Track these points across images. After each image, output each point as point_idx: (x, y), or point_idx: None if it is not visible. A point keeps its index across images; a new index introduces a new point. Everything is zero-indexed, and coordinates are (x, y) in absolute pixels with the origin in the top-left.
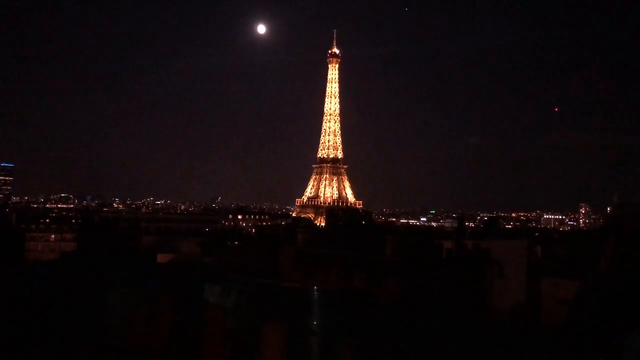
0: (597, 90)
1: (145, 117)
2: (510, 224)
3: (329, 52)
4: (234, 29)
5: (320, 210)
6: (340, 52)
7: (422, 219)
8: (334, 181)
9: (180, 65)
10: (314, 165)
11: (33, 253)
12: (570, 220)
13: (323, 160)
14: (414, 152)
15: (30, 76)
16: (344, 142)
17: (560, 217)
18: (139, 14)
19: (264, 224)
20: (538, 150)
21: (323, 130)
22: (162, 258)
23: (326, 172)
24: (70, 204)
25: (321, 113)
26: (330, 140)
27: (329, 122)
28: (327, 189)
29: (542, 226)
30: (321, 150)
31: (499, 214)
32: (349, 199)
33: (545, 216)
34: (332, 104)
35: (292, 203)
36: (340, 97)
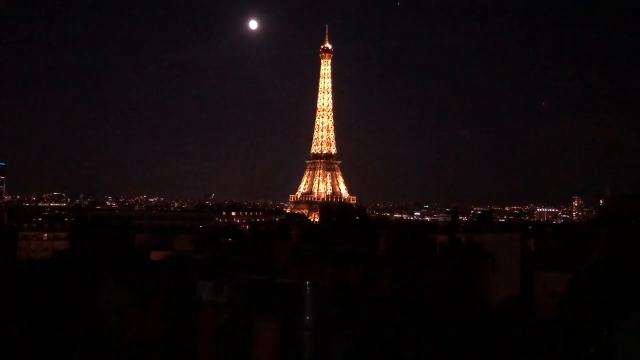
0: (589, 83)
1: (137, 114)
2: (503, 218)
3: (322, 47)
4: (225, 25)
5: (314, 206)
6: (332, 48)
7: (415, 213)
8: (328, 177)
9: (172, 62)
10: (307, 161)
11: (26, 252)
12: (563, 213)
13: (316, 156)
14: (407, 147)
15: (21, 74)
16: (337, 138)
17: (553, 210)
18: (130, 12)
19: (258, 220)
20: (531, 143)
21: (316, 126)
22: (155, 255)
23: (320, 167)
24: (63, 203)
25: (314, 109)
26: (324, 135)
27: (322, 117)
28: (321, 184)
29: (536, 219)
30: (314, 146)
31: (493, 207)
32: (343, 195)
33: (538, 209)
34: (325, 100)
35: (286, 199)
36: (333, 92)
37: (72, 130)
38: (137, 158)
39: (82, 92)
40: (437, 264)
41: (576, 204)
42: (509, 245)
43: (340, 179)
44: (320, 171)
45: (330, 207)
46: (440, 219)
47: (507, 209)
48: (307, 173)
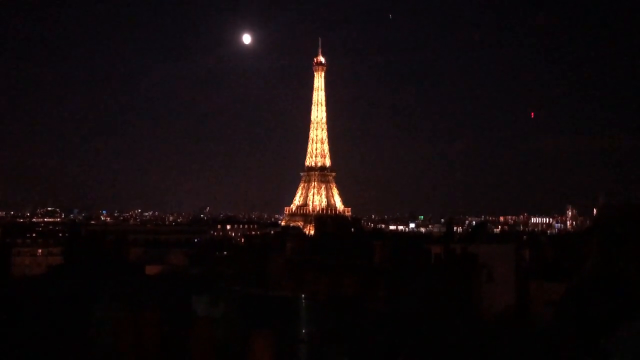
0: (582, 93)
1: (131, 128)
2: (498, 228)
3: (315, 60)
4: (219, 38)
5: (309, 218)
6: (326, 60)
7: (411, 224)
8: (322, 189)
9: (166, 75)
10: (302, 174)
11: (20, 268)
12: (557, 223)
13: (311, 169)
14: (402, 159)
15: (13, 87)
16: (331, 150)
17: (547, 220)
18: (122, 26)
19: (253, 233)
20: (524, 154)
21: (310, 139)
22: (150, 270)
23: (314, 180)
24: (57, 218)
25: (308, 121)
26: (318, 148)
27: (316, 130)
28: (316, 197)
29: (530, 229)
30: (309, 158)
31: (487, 218)
32: (338, 207)
33: (532, 219)
34: (319, 112)
35: (281, 212)
36: (327, 104)
37: (65, 144)
38: (132, 172)
39: (76, 105)
40: (432, 275)
41: (570, 214)
42: (504, 256)
43: (335, 191)
44: (315, 183)
45: (325, 219)
46: (435, 229)
47: (501, 219)
48: (302, 185)
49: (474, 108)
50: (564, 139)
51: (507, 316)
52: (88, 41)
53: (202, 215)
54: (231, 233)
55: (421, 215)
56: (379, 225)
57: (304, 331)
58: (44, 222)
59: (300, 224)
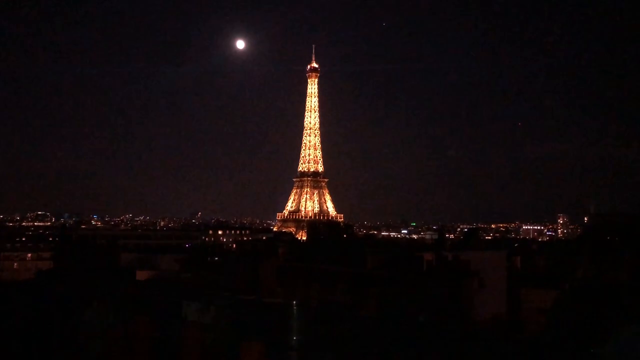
0: (574, 102)
1: (122, 133)
2: (490, 235)
3: (308, 66)
4: (212, 44)
5: (302, 224)
6: (319, 67)
7: (403, 231)
8: (315, 195)
9: (158, 81)
10: (294, 179)
11: (8, 272)
12: (548, 231)
13: (304, 174)
14: (394, 165)
15: (3, 92)
16: (324, 156)
17: (538, 227)
18: (115, 30)
19: (245, 239)
20: (516, 162)
21: (303, 144)
22: (141, 275)
23: (307, 185)
24: (48, 222)
25: (301, 127)
26: (311, 154)
27: (309, 136)
28: (308, 202)
29: (521, 237)
30: (302, 164)
31: (479, 225)
32: (330, 213)
33: (524, 227)
34: (312, 118)
35: (273, 217)
36: (319, 111)
37: (56, 149)
38: (123, 177)
39: (66, 110)
40: (424, 282)
41: (561, 221)
42: (496, 263)
43: (328, 197)
44: (308, 189)
45: (318, 225)
46: (427, 236)
47: (493, 226)
48: (295, 191)
49: (467, 115)
50: (556, 147)
51: (499, 323)
52: (81, 45)
53: (193, 221)
54: (223, 239)
55: (413, 222)
56: (371, 232)
57: (295, 338)
58: (34, 226)
59: (292, 229)
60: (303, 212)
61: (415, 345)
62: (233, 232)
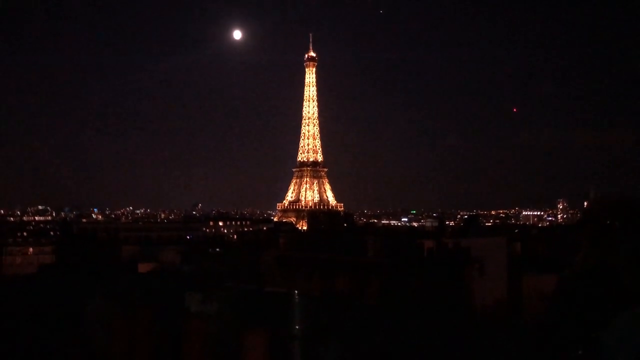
0: (571, 86)
1: (121, 125)
2: (490, 222)
3: (306, 55)
4: (209, 34)
5: (302, 214)
6: (317, 56)
7: (403, 219)
8: (315, 184)
9: (155, 72)
10: (294, 169)
11: (11, 267)
12: (548, 216)
13: (303, 164)
14: (394, 153)
15: (0, 86)
16: (323, 145)
17: (538, 213)
18: (111, 22)
19: (246, 229)
20: (515, 148)
21: (302, 134)
22: (143, 268)
23: (306, 175)
24: (48, 216)
25: (300, 117)
26: (310, 143)
27: (308, 125)
28: (308, 192)
29: (521, 222)
30: (301, 153)
31: (479, 212)
32: (330, 202)
33: (523, 213)
34: (310, 108)
35: (274, 207)
36: (318, 100)
37: (56, 142)
38: (122, 170)
39: (65, 103)
40: (424, 270)
41: (561, 207)
42: (496, 249)
43: (328, 187)
44: (307, 179)
45: (318, 214)
46: (428, 224)
47: (493, 213)
48: (294, 181)
49: (466, 102)
50: (555, 132)
51: (500, 309)
52: (76, 38)
53: (194, 212)
54: (223, 230)
55: (413, 210)
56: (371, 220)
57: (297, 327)
58: (34, 220)
59: (292, 219)
60: (303, 202)
61: (417, 334)
62: (234, 222)
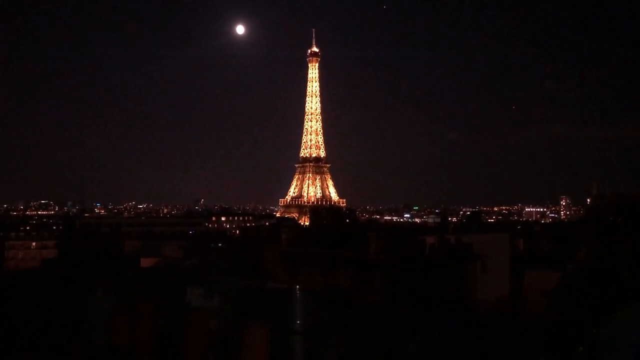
0: (575, 83)
1: (124, 120)
2: (492, 218)
3: (309, 51)
4: (212, 29)
5: (304, 209)
6: (320, 51)
7: (405, 215)
8: (317, 180)
9: (159, 67)
10: (296, 165)
11: (14, 261)
12: (551, 213)
13: (305, 160)
14: (396, 149)
15: (4, 81)
16: (326, 141)
17: (541, 209)
18: (115, 18)
19: (248, 225)
20: (518, 144)
21: (305, 130)
22: (145, 262)
23: (309, 171)
24: (51, 211)
25: (302, 112)
26: (312, 139)
27: (311, 121)
28: (311, 188)
29: (524, 219)
30: (303, 149)
31: (481, 208)
32: (333, 198)
33: (526, 209)
34: (313, 103)
35: (276, 203)
36: (321, 96)
37: (59, 137)
38: (125, 164)
39: (69, 98)
40: (426, 266)
41: (564, 203)
42: (498, 246)
43: (330, 182)
44: (310, 174)
45: (320, 210)
46: (430, 220)
47: (495, 209)
48: (297, 177)
49: (469, 98)
50: (558, 129)
51: (502, 306)
52: (80, 33)
53: (196, 208)
54: (226, 225)
55: (415, 206)
56: (373, 216)
57: (298, 323)
58: (37, 215)
59: (295, 215)
60: (305, 198)
61: (420, 330)
62: (236, 218)
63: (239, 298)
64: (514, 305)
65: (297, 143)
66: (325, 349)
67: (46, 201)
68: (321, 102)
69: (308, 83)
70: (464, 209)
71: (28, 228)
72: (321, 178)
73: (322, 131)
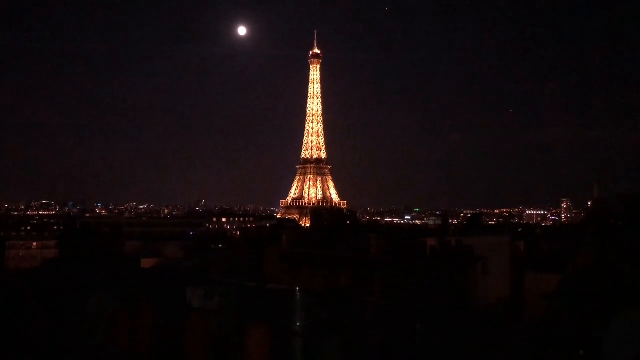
0: (577, 86)
1: (125, 121)
2: (493, 221)
3: (311, 52)
4: (214, 30)
5: (305, 211)
6: (321, 53)
7: (406, 217)
8: (318, 182)
9: (160, 68)
10: (297, 166)
11: (14, 261)
12: (552, 216)
13: (307, 161)
14: (397, 151)
15: (6, 82)
16: (327, 143)
17: (542, 212)
18: (116, 19)
19: (249, 226)
20: (519, 147)
21: (306, 131)
22: (146, 263)
23: (310, 172)
24: (52, 211)
25: (304, 114)
26: (314, 140)
27: (312, 122)
28: (312, 189)
29: (525, 222)
30: (304, 151)
31: (482, 210)
32: (334, 199)
33: (527, 212)
34: (314, 105)
35: (277, 204)
36: (322, 97)
37: (60, 137)
38: (127, 165)
39: (70, 98)
40: (427, 268)
41: (565, 206)
42: (499, 248)
43: (331, 184)
44: (311, 176)
45: (321, 211)
46: (431, 222)
47: (496, 211)
48: (298, 178)
49: (470, 100)
50: (559, 132)
51: (502, 308)
52: (81, 33)
53: (197, 208)
54: (227, 226)
55: (416, 208)
56: (374, 218)
57: (299, 324)
58: (38, 215)
59: (296, 216)
60: (306, 199)
61: (420, 332)
62: (237, 219)
63: (239, 299)
64: (514, 308)
65: (299, 144)
66: (325, 350)
67: (47, 201)
68: (322, 103)
69: (309, 84)
70: (464, 211)
71: (29, 228)
72: (322, 179)
73: (323, 132)
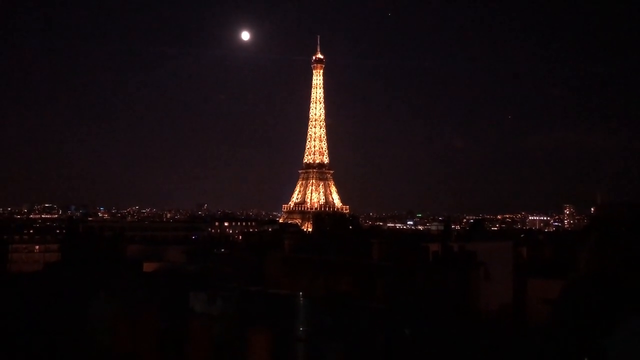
0: (580, 91)
1: (128, 125)
2: (496, 226)
3: (314, 57)
4: (217, 35)
5: (307, 215)
6: (324, 58)
7: (408, 222)
8: (321, 186)
9: (163, 72)
10: (300, 171)
11: (17, 264)
12: (555, 221)
13: (309, 166)
14: (400, 156)
15: (8, 84)
16: (329, 147)
17: (545, 218)
18: (118, 23)
19: (251, 230)
20: (522, 152)
21: (309, 136)
22: (148, 267)
23: (312, 177)
24: (55, 214)
25: (306, 119)
26: (316, 145)
27: (315, 127)
28: (314, 194)
29: (528, 227)
30: (307, 155)
31: (485, 216)
32: (336, 204)
33: (530, 217)
34: (317, 110)
35: (279, 209)
36: (325, 102)
37: (63, 141)
38: (129, 169)
39: (72, 101)
40: (429, 273)
41: (567, 212)
42: (502, 254)
43: (333, 189)
44: (313, 181)
45: (323, 216)
46: (433, 227)
47: (499, 217)
48: (300, 183)
49: (473, 106)
50: (562, 137)
51: (505, 314)
52: (84, 38)
53: (199, 213)
54: (229, 230)
55: (419, 213)
56: (376, 223)
57: (301, 329)
58: (41, 218)
59: (298, 221)
60: (309, 204)
61: (422, 336)
62: (239, 223)
63: (242, 303)
64: (516, 313)
65: (301, 149)
66: (327, 355)
67: (50, 204)
68: (325, 108)
69: (312, 89)
70: (467, 217)
71: (32, 231)
72: (324, 184)
73: (325, 137)
